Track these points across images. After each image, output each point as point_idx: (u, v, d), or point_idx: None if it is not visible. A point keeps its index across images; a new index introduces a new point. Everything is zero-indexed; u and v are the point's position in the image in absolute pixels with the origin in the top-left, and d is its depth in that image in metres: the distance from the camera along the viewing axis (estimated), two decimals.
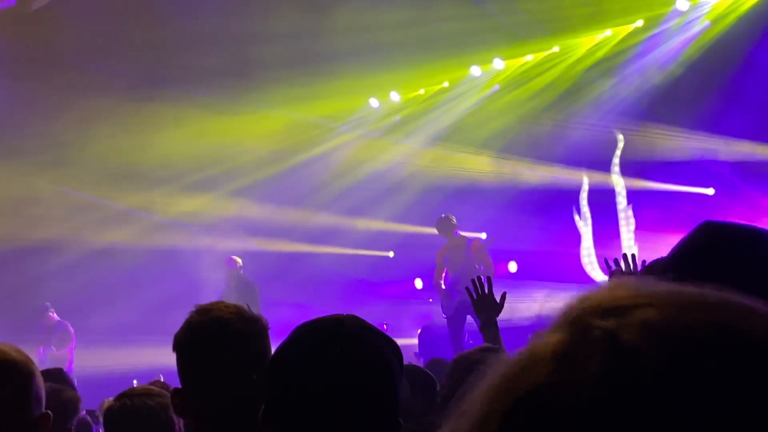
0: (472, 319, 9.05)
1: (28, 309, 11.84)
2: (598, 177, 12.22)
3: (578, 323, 0.62)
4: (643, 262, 4.13)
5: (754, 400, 0.57)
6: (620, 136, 11.99)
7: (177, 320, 2.25)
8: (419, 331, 10.89)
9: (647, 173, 11.72)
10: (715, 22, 10.88)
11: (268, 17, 11.42)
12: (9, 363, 2.09)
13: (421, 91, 13.43)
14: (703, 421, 0.56)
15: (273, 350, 2.09)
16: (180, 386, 2.19)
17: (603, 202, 12.12)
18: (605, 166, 12.12)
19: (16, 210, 12.93)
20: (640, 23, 11.36)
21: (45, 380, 2.20)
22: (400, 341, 1.80)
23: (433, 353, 8.14)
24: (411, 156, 13.72)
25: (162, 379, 4.90)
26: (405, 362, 1.76)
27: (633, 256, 4.18)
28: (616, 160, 12.06)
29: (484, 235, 11.94)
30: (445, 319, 10.39)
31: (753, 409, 0.56)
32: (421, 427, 3.29)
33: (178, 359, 2.18)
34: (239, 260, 12.20)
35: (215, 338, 2.14)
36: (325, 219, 13.91)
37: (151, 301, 12.43)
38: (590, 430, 0.57)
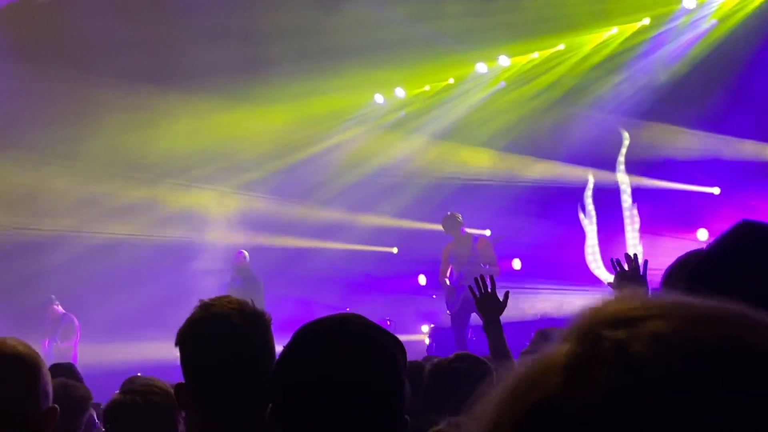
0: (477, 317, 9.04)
1: (34, 301, 11.86)
2: (604, 175, 12.20)
3: (589, 334, 0.62)
4: (645, 262, 4.14)
5: (762, 417, 0.57)
6: (626, 134, 11.97)
7: (181, 314, 2.28)
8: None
9: (652, 172, 11.70)
10: (721, 21, 10.85)
11: (275, 13, 11.42)
12: (16, 357, 2.10)
13: (427, 88, 13.40)
14: None
15: (276, 345, 2.13)
16: (183, 381, 2.21)
17: (608, 200, 12.10)
18: (610, 165, 12.11)
19: (22, 203, 12.95)
20: (646, 21, 11.33)
21: (56, 375, 2.21)
22: (403, 338, 1.82)
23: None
24: (416, 152, 13.70)
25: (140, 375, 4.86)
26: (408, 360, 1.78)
27: (635, 255, 4.19)
28: (621, 158, 12.03)
29: (488, 232, 11.93)
30: (449, 316, 10.40)
31: (760, 424, 0.57)
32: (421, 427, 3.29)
33: (181, 354, 2.20)
34: (247, 253, 12.22)
35: (217, 333, 2.16)
36: (330, 214, 13.90)
37: (156, 294, 12.45)
38: None
